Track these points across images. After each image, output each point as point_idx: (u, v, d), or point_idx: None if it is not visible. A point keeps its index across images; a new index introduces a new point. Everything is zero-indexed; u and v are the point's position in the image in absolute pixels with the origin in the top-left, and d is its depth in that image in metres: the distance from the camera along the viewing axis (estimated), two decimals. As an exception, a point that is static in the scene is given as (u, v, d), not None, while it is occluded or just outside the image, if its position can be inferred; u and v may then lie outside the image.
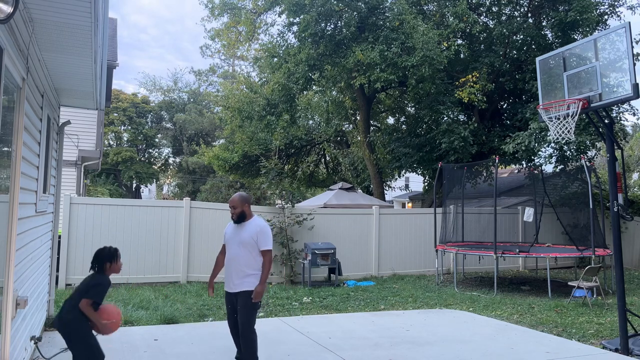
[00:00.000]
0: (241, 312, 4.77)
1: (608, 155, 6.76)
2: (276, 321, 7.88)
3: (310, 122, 23.33)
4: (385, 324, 7.77)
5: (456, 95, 14.00)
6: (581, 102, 6.74)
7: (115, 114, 38.95)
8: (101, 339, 6.52)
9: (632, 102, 22.05)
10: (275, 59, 16.62)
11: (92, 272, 4.54)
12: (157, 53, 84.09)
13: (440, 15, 15.22)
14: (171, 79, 57.42)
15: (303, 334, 7.01)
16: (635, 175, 36.39)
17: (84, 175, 18.26)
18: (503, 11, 16.04)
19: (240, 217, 4.91)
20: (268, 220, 12.09)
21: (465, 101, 13.86)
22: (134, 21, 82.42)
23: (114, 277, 11.03)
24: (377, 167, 18.61)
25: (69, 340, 4.07)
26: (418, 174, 18.58)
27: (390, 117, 22.57)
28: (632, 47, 6.22)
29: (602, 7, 14.65)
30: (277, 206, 12.81)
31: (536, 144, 12.65)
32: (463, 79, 14.21)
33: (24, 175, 4.17)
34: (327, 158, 27.15)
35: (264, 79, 20.11)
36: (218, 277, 5.50)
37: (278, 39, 17.02)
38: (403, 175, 21.86)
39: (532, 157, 13.99)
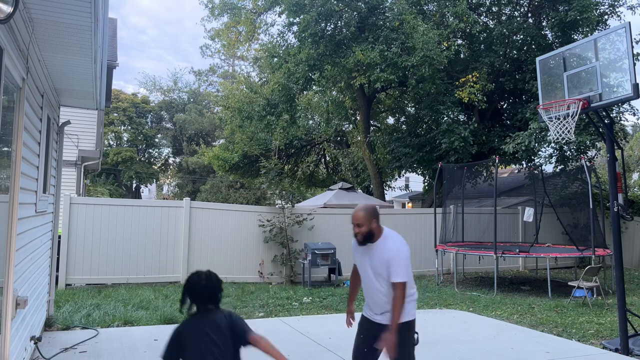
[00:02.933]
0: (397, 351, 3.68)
1: (608, 155, 6.76)
2: (276, 321, 7.88)
3: (310, 122, 23.33)
4: (385, 324, 7.76)
5: (456, 95, 13.99)
6: (581, 102, 6.74)
7: (115, 114, 38.95)
8: (102, 337, 6.53)
9: (632, 102, 22.04)
10: (275, 59, 16.62)
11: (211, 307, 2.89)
12: (157, 54, 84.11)
13: (440, 15, 15.22)
14: (171, 79, 57.46)
15: (303, 334, 7.00)
16: (635, 175, 36.38)
17: (84, 175, 18.26)
18: (503, 11, 16.04)
19: (367, 238, 3.68)
20: (268, 221, 12.09)
21: (465, 101, 13.86)
22: (134, 22, 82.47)
23: (113, 278, 11.12)
24: (377, 167, 18.61)
25: None
26: (418, 174, 18.58)
27: (390, 117, 22.58)
28: (632, 47, 6.22)
29: (602, 7, 14.65)
30: (277, 206, 12.80)
31: (536, 144, 12.65)
32: (463, 79, 14.20)
33: (24, 175, 4.17)
34: (327, 158, 27.16)
35: (264, 79, 20.12)
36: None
37: (278, 39, 17.03)
38: (403, 175, 21.86)
39: (532, 157, 13.98)
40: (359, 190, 20.32)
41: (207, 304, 2.88)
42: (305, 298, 9.86)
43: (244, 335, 2.81)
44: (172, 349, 2.79)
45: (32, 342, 5.11)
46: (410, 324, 3.71)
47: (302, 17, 14.44)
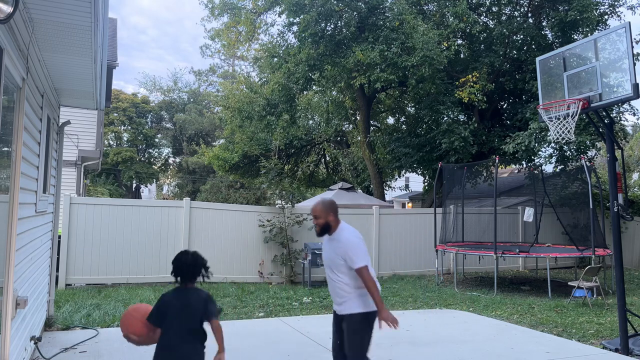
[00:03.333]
0: (346, 340, 3.90)
1: (608, 155, 6.76)
2: (276, 321, 7.89)
3: (310, 122, 23.34)
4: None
5: (456, 95, 14.00)
6: (581, 102, 6.74)
7: (115, 114, 38.94)
8: (102, 337, 6.54)
9: (632, 102, 22.04)
10: (275, 59, 16.62)
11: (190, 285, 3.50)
12: (157, 54, 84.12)
13: (440, 15, 15.22)
14: (171, 79, 57.42)
15: (303, 334, 7.01)
16: (635, 175, 36.39)
17: (84, 175, 18.26)
18: (503, 11, 16.04)
19: (324, 230, 3.98)
20: (268, 221, 12.09)
21: (465, 101, 13.86)
22: (134, 22, 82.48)
23: (113, 278, 11.12)
24: (377, 167, 18.61)
25: None
26: (418, 174, 18.58)
27: (390, 117, 22.58)
28: (632, 47, 6.22)
29: (602, 7, 14.65)
30: (277, 206, 12.80)
31: (536, 144, 12.65)
32: (463, 79, 14.20)
33: (24, 175, 4.17)
34: (327, 158, 27.16)
35: (264, 79, 20.12)
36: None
37: (278, 39, 17.03)
38: (403, 175, 21.86)
39: (532, 157, 13.98)
40: (359, 190, 20.32)
41: (188, 281, 3.41)
42: (305, 298, 9.86)
43: (210, 318, 3.36)
44: (155, 313, 3.39)
45: (32, 342, 5.11)
46: (369, 316, 3.84)
47: (302, 17, 14.43)
